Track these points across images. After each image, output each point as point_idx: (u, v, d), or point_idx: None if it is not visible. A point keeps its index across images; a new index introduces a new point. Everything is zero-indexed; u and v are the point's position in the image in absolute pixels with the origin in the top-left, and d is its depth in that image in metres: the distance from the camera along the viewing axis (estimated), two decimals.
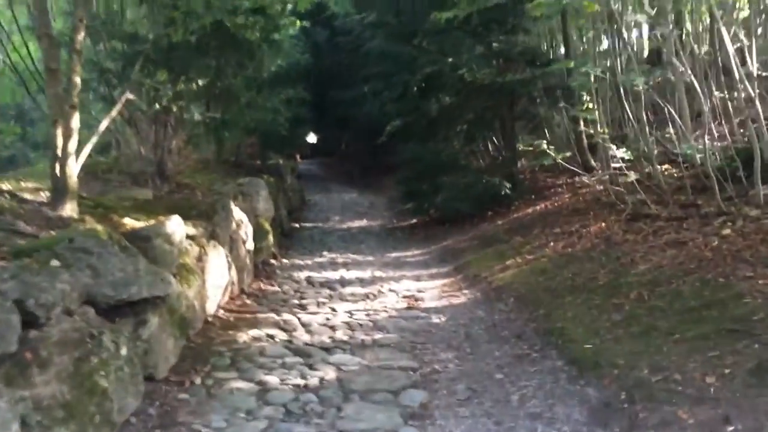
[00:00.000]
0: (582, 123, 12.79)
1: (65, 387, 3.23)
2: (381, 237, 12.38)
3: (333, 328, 6.00)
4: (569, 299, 5.85)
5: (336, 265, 9.35)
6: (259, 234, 8.78)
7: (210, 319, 5.95)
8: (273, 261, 9.27)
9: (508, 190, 10.92)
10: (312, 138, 28.12)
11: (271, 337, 5.66)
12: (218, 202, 7.18)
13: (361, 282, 8.14)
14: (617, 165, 10.07)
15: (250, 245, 7.74)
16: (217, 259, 6.22)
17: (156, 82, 6.54)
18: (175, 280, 5.10)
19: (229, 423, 3.82)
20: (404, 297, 7.30)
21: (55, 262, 3.54)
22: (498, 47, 11.57)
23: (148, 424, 3.69)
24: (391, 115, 13.34)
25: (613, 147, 7.76)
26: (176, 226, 5.29)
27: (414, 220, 13.55)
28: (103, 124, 5.52)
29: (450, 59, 11.13)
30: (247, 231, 7.65)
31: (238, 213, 7.58)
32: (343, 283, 8.04)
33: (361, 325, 6.12)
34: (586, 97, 9.09)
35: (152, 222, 5.50)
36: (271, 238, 9.22)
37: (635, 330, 4.67)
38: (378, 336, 5.70)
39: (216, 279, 6.11)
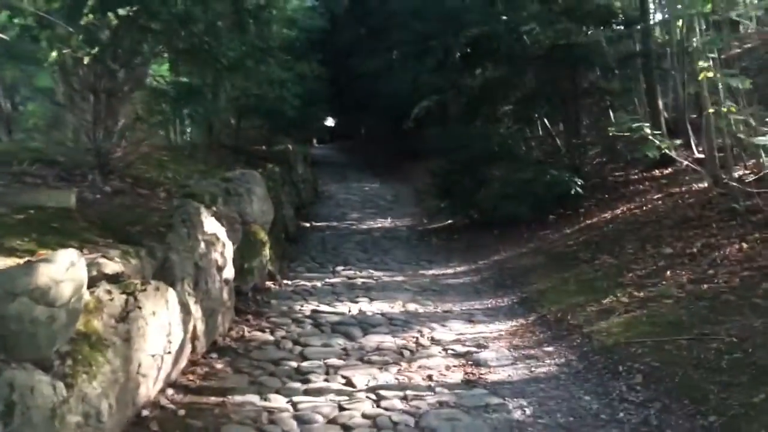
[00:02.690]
0: (660, 102, 10.28)
1: None
2: (411, 244, 9.89)
3: (348, 431, 3.59)
4: (763, 398, 3.35)
5: (354, 290, 6.91)
6: (249, 249, 6.38)
7: (146, 412, 3.57)
8: (270, 284, 6.87)
9: (578, 188, 8.37)
10: (330, 122, 25.76)
11: None
12: (178, 211, 4.77)
13: (390, 323, 5.69)
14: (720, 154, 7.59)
15: (230, 272, 5.32)
16: (162, 310, 3.81)
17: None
18: (54, 373, 2.72)
19: None
20: (456, 356, 4.84)
21: None
22: (563, 3, 8.98)
23: None
24: (423, 90, 10.83)
25: None
26: (64, 270, 2.89)
27: (450, 221, 11.02)
28: None
29: (504, 17, 8.55)
30: (225, 251, 5.23)
31: (211, 225, 5.17)
32: (364, 325, 5.59)
33: (395, 423, 3.69)
34: (703, 63, 6.44)
35: (28, 259, 3.10)
36: (267, 252, 6.80)
37: None
38: None
39: (158, 344, 3.72)
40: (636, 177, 9.68)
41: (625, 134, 6.48)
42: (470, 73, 10.19)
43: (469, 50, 9.22)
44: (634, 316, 4.92)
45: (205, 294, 4.74)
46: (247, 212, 6.66)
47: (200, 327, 4.54)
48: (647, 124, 6.22)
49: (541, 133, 11.71)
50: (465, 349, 4.98)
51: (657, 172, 9.55)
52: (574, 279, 6.29)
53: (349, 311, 6.06)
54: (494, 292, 6.78)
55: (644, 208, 7.87)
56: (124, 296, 3.53)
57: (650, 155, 6.65)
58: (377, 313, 5.99)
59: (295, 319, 5.74)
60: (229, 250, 5.37)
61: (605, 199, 8.87)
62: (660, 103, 10.27)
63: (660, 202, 7.89)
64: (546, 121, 11.20)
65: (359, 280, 7.40)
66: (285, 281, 7.15)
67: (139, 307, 3.57)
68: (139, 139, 5.66)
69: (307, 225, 11.30)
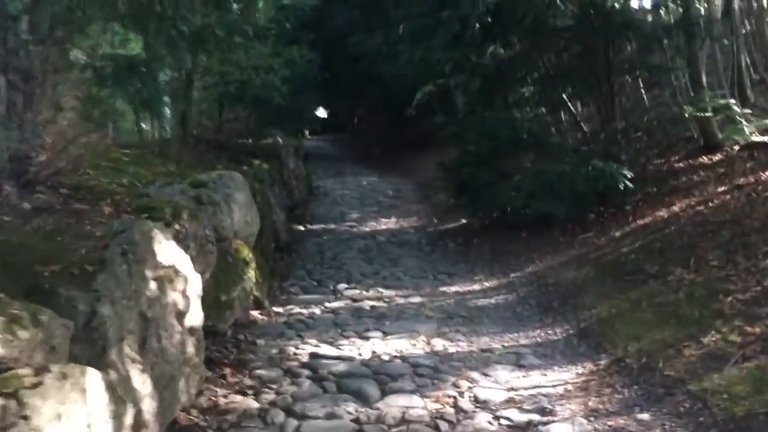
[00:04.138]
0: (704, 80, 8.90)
1: None
2: (423, 250, 8.49)
3: None
4: None
5: (362, 319, 5.53)
6: (228, 274, 4.97)
7: None
8: (256, 314, 5.47)
9: (627, 182, 6.96)
10: (322, 113, 24.40)
11: None
12: (116, 238, 3.34)
13: (415, 373, 4.28)
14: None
15: (196, 316, 3.90)
16: (74, 406, 2.39)
17: None
18: None
19: None
20: (515, 430, 3.47)
21: None
22: None
23: None
24: (430, 73, 9.40)
25: None
26: None
27: (465, 221, 9.61)
28: None
29: None
30: (188, 288, 3.81)
31: (169, 252, 3.74)
32: (381, 377, 4.18)
33: None
34: None
35: None
36: (252, 273, 5.39)
37: None
38: None
39: None
40: (682, 165, 8.30)
41: (704, 114, 5.08)
42: (486, 50, 8.72)
43: (490, 20, 7.78)
44: (759, 366, 3.53)
45: (157, 356, 3.33)
46: (225, 226, 5.24)
47: (149, 407, 3.13)
48: (733, 102, 4.84)
49: (565, 117, 10.27)
50: (524, 417, 3.59)
51: (705, 159, 8.18)
52: (647, 302, 4.90)
53: (359, 354, 4.66)
54: (540, 318, 5.39)
55: (710, 204, 6.49)
56: None
57: (739, 139, 5.27)
58: (395, 356, 4.60)
59: (288, 369, 4.33)
60: (196, 284, 3.94)
61: (654, 194, 7.49)
62: (704, 78, 8.91)
63: (728, 196, 6.50)
64: (570, 104, 9.78)
65: (367, 303, 6.01)
66: (275, 308, 5.76)
67: (26, 417, 2.17)
68: (74, 135, 4.22)
69: (302, 228, 9.91)
